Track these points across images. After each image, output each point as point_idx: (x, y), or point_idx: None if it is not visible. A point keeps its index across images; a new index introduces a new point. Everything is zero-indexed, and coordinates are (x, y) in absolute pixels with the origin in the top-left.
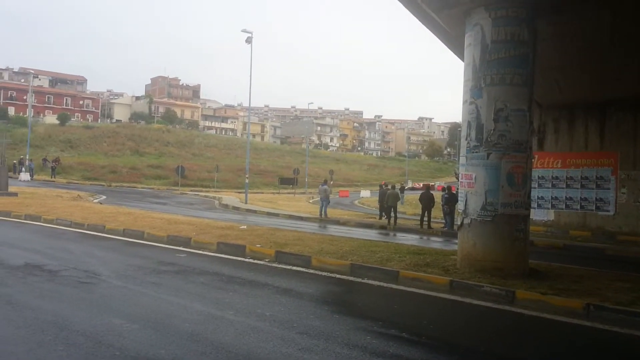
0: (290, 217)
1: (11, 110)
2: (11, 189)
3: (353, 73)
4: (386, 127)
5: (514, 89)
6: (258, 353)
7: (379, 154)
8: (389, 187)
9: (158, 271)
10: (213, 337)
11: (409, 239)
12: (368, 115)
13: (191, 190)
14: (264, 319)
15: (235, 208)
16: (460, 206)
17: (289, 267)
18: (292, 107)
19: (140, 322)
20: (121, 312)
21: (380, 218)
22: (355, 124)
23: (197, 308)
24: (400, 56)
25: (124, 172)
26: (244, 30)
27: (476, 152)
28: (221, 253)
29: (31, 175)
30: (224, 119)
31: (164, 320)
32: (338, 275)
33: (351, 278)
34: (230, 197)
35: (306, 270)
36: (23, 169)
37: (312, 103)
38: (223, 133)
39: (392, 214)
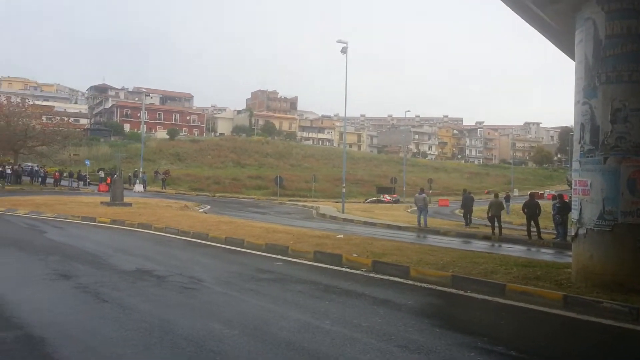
0: (388, 226)
1: (127, 127)
2: (126, 199)
3: (451, 79)
4: (488, 133)
5: (633, 87)
6: None
7: (480, 161)
8: (494, 195)
9: (257, 278)
10: (309, 346)
11: (516, 250)
12: (468, 122)
13: (289, 200)
14: (360, 330)
15: (332, 217)
16: (573, 215)
17: (386, 277)
18: (389, 115)
19: (239, 328)
20: (221, 317)
21: (466, 225)
22: (454, 131)
23: (294, 316)
24: (503, 59)
25: (226, 183)
26: (339, 41)
27: (591, 157)
28: (317, 262)
29: (144, 187)
30: (321, 130)
31: (262, 327)
32: (438, 287)
33: (452, 290)
34: (327, 207)
35: (404, 281)
36: (137, 181)
37: (409, 111)
38: (320, 143)
39: (497, 224)
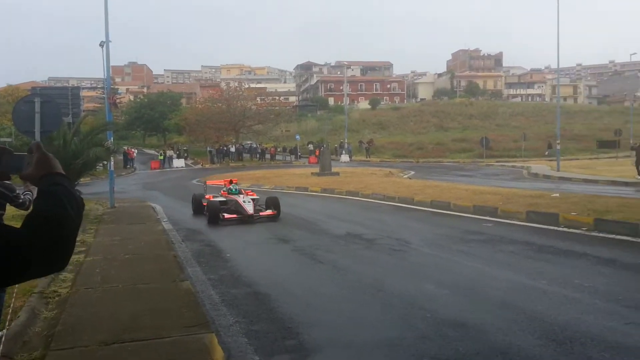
0: (613, 183)
1: (331, 101)
2: (334, 169)
3: None
4: None
5: None
6: (577, 324)
7: None
8: None
9: (465, 240)
10: (525, 305)
11: None
12: None
13: (497, 162)
14: (582, 290)
15: (546, 176)
16: None
17: (611, 236)
18: (610, 62)
19: (450, 288)
20: (431, 278)
21: None
22: None
23: (507, 277)
24: None
25: (429, 148)
26: None
27: None
28: (530, 222)
29: (350, 157)
30: (530, 85)
31: (473, 287)
32: None
33: None
34: (539, 166)
35: (634, 240)
36: (343, 152)
37: (635, 53)
38: (529, 100)
39: None
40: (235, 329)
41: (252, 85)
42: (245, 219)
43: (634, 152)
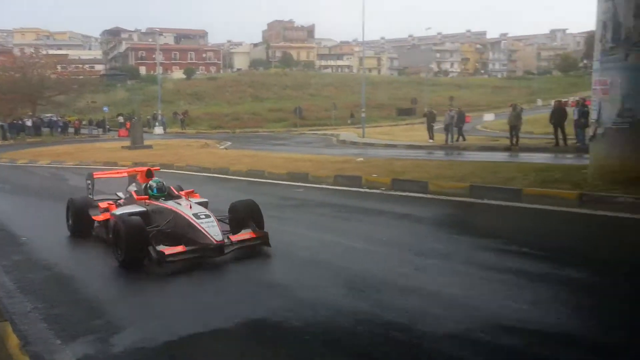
0: (409, 147)
1: (142, 70)
2: (147, 142)
3: None
4: (512, 45)
5: None
6: (374, 273)
7: (504, 74)
8: (512, 106)
9: (279, 206)
10: (331, 261)
11: (537, 158)
12: (492, 34)
13: (309, 130)
14: (380, 244)
15: (353, 143)
16: (592, 115)
17: (405, 193)
18: (410, 35)
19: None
20: None
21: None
22: (478, 46)
23: (315, 236)
24: None
25: (246, 119)
26: None
27: (612, 55)
28: (338, 185)
29: (164, 129)
30: (340, 57)
31: (285, 249)
32: (457, 198)
33: (470, 200)
34: (347, 133)
35: (423, 196)
36: (157, 124)
37: (429, 28)
38: (339, 71)
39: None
40: (33, 316)
41: (52, 52)
42: (208, 254)
43: (426, 118)
